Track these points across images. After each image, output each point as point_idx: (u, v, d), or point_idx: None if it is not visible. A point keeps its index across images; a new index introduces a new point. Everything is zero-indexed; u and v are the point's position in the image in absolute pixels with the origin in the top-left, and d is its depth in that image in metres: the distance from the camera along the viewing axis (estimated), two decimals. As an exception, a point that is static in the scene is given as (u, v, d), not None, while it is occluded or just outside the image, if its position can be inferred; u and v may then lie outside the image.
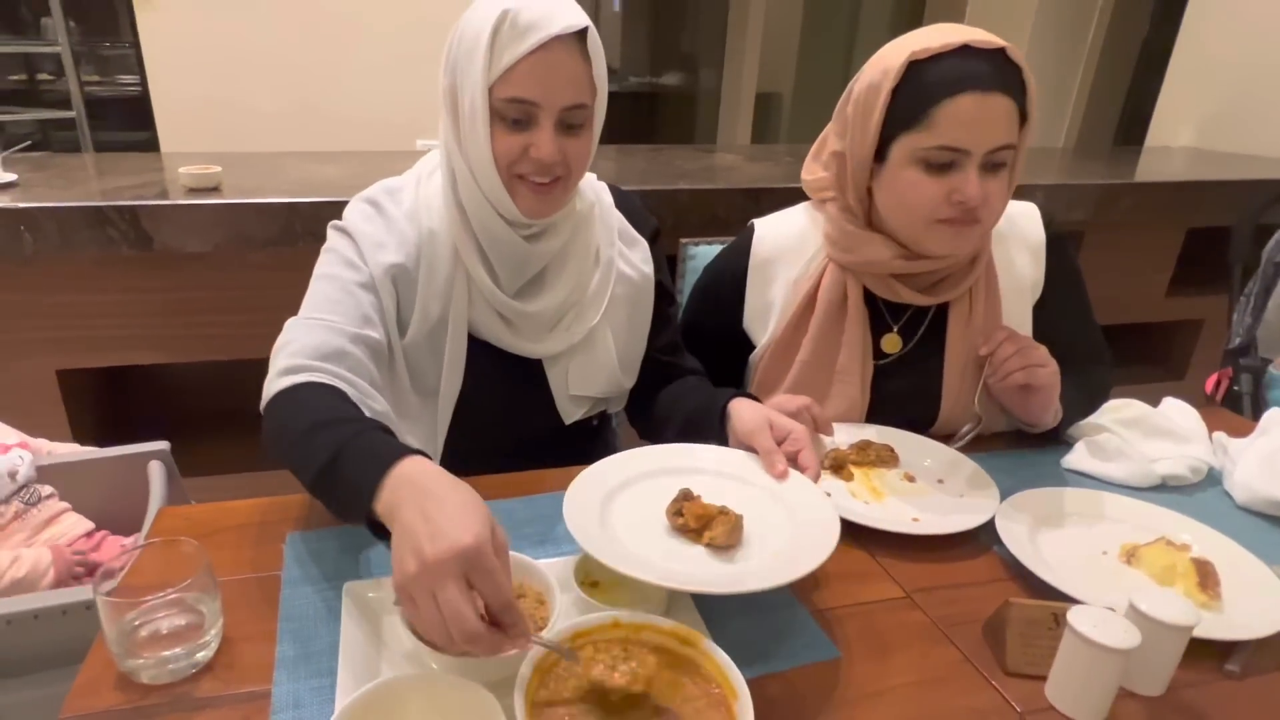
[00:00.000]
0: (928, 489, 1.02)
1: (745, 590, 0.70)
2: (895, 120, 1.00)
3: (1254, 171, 2.63)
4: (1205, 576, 0.85)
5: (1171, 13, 3.38)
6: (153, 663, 0.67)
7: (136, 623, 0.69)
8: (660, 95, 6.23)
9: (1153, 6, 3.91)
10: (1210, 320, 2.76)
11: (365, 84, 2.88)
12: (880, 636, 0.78)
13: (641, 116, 5.96)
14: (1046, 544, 0.91)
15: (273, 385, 0.86)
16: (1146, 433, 1.13)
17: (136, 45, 2.82)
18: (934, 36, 0.98)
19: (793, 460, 0.89)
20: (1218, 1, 3.09)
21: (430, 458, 0.73)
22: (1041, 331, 1.15)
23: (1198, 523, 0.94)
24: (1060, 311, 1.18)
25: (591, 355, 1.09)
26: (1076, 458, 1.10)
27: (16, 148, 1.78)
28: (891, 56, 1.00)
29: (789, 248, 1.18)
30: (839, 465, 1.04)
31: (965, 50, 0.97)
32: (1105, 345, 1.24)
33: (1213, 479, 1.10)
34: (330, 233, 1.01)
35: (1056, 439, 1.14)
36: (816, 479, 0.87)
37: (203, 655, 0.70)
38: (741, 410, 0.96)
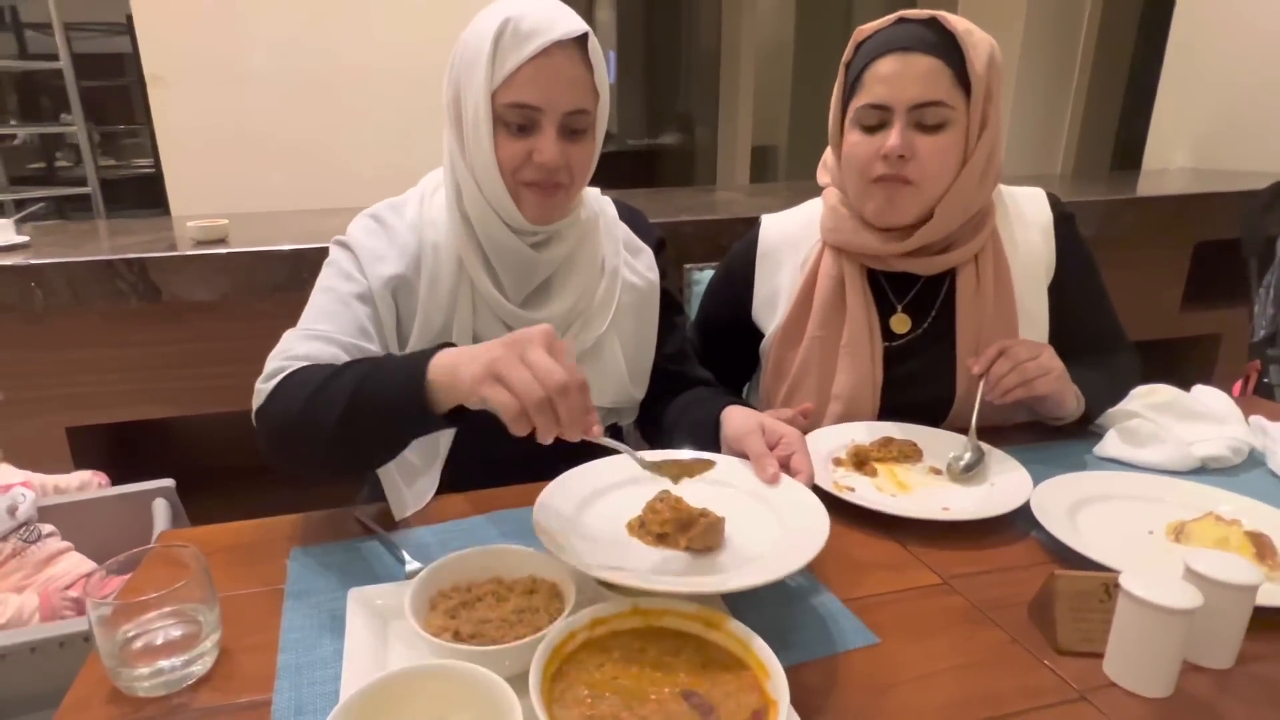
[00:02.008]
0: (956, 480, 0.98)
1: (723, 590, 0.65)
2: (846, 92, 1.09)
3: (1254, 184, 2.63)
4: (1262, 547, 0.80)
5: (1155, 39, 3.45)
6: (147, 673, 0.63)
7: (131, 634, 0.65)
8: (658, 153, 6.39)
9: (1135, 35, 4.00)
10: (1229, 334, 2.71)
11: (371, 151, 2.95)
12: (919, 622, 0.73)
13: (641, 173, 6.09)
14: (1088, 526, 0.87)
15: (263, 387, 0.86)
16: (1180, 416, 1.08)
17: (150, 126, 2.92)
18: (886, 18, 1.06)
19: (785, 464, 0.85)
20: (1199, 24, 3.15)
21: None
22: (1058, 314, 1.14)
23: (1245, 498, 0.90)
24: (1075, 292, 1.15)
25: (600, 365, 1.07)
26: (1108, 446, 1.05)
27: (30, 209, 1.82)
28: (854, 37, 1.09)
29: (795, 236, 1.21)
30: (862, 461, 1.00)
31: (900, 21, 1.04)
32: (1124, 330, 1.21)
33: (1254, 460, 1.05)
34: (332, 247, 1.02)
35: (1085, 427, 1.10)
36: (809, 483, 0.82)
37: (199, 666, 0.66)
38: (733, 416, 0.93)
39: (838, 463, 1.02)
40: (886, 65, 1.02)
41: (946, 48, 1.01)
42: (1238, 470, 1.03)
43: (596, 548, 0.72)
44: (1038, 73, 3.80)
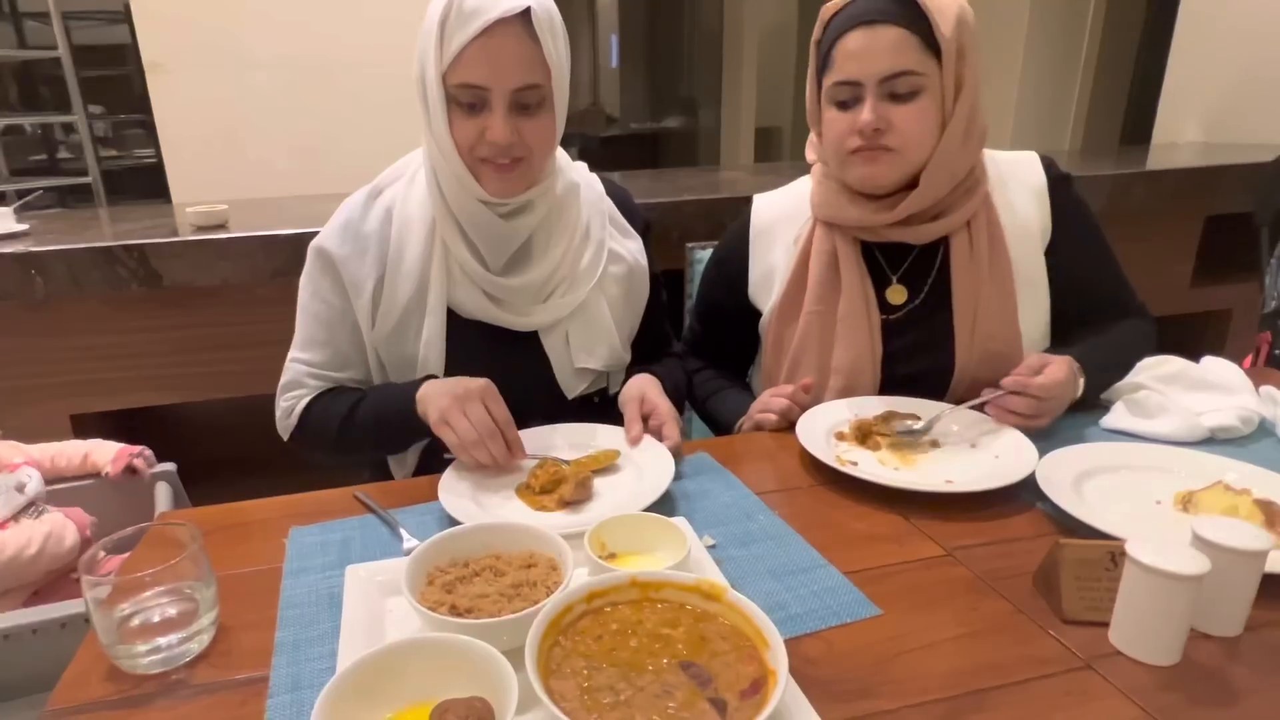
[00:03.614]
0: (959, 453, 0.97)
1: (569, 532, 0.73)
2: (819, 70, 1.09)
3: (1265, 157, 2.58)
4: (1272, 516, 0.79)
5: (1165, 10, 3.39)
6: (145, 650, 0.63)
7: (128, 612, 0.65)
8: (661, 136, 6.35)
9: (1145, 6, 3.93)
10: (1239, 309, 2.68)
11: (370, 135, 2.93)
12: (922, 593, 0.72)
13: (644, 156, 6.06)
14: (1094, 496, 0.85)
15: (285, 424, 1.07)
16: (1188, 387, 1.06)
17: (150, 115, 2.91)
18: None
19: (658, 432, 0.98)
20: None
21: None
22: (1059, 279, 1.12)
23: (1255, 467, 0.88)
24: (1075, 255, 1.13)
25: (589, 326, 1.09)
26: (1116, 418, 1.04)
27: (30, 196, 1.81)
28: (821, 15, 1.08)
29: (787, 213, 1.20)
30: (864, 435, 0.99)
31: None
32: (1134, 293, 1.18)
33: (1264, 430, 1.03)
34: (310, 256, 1.05)
35: (1088, 403, 1.08)
36: (674, 448, 0.95)
37: (196, 644, 0.66)
38: (628, 385, 1.06)
39: (840, 437, 1.01)
40: (853, 40, 1.02)
41: (912, 15, 1.00)
42: (1247, 440, 1.01)
43: (483, 510, 0.86)
44: (1046, 46, 3.75)
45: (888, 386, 1.12)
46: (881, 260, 1.14)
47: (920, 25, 0.99)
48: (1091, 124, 3.94)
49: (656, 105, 6.53)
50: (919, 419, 1.02)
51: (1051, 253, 1.12)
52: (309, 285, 1.07)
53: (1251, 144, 2.93)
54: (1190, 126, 3.21)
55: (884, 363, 1.12)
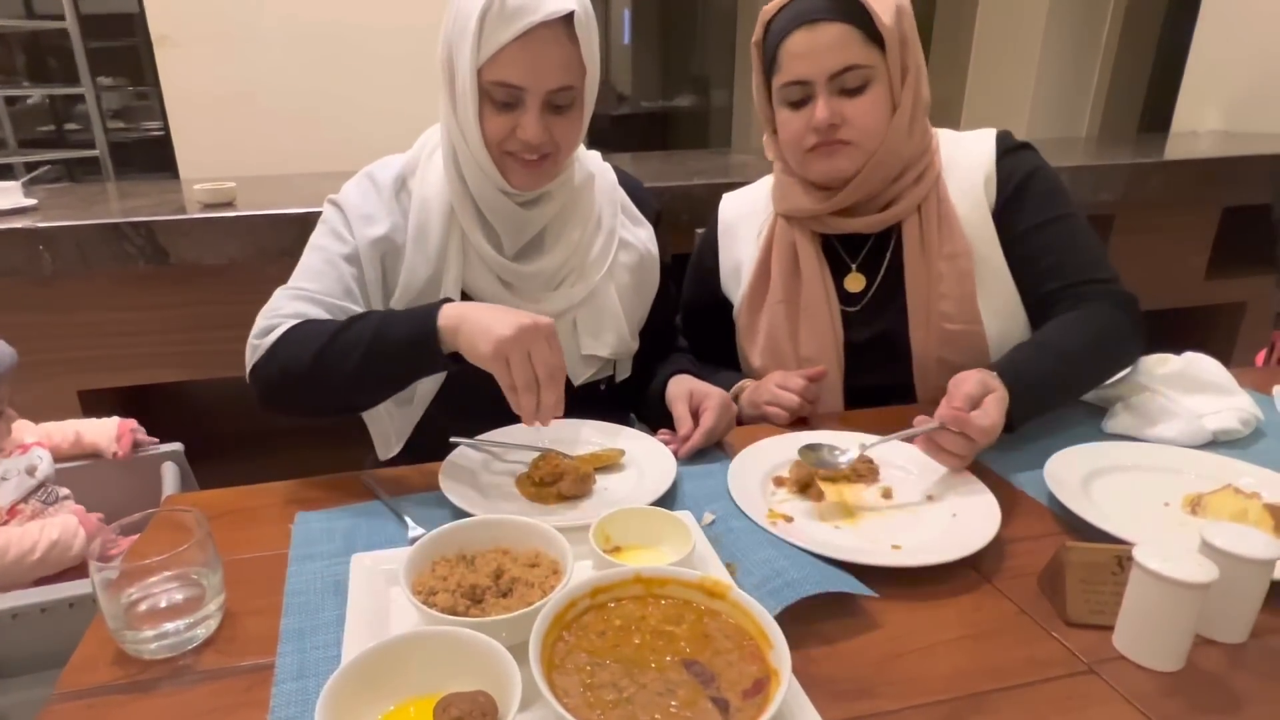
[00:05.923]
0: (914, 507, 0.85)
1: (563, 525, 0.72)
2: (766, 71, 1.10)
3: (1288, 146, 2.54)
4: (1281, 521, 0.78)
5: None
6: (151, 636, 0.64)
7: (135, 597, 0.65)
8: (673, 115, 6.29)
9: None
10: (1254, 302, 2.65)
11: (380, 112, 2.91)
12: (926, 592, 0.72)
13: (654, 135, 6.00)
14: (1102, 497, 0.85)
15: (259, 343, 0.93)
16: (1188, 388, 1.04)
17: (158, 87, 2.90)
18: None
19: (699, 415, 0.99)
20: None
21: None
22: (1012, 249, 1.07)
23: (1265, 470, 0.87)
24: (1025, 223, 1.07)
25: (598, 313, 1.09)
26: (1118, 422, 1.02)
27: (37, 172, 1.81)
28: (761, 17, 1.08)
29: (750, 209, 1.23)
30: (806, 484, 0.88)
31: None
32: (1104, 267, 1.07)
33: (1260, 431, 1.02)
34: (325, 205, 1.05)
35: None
36: (700, 438, 0.96)
37: (203, 630, 0.66)
38: (671, 384, 1.06)
39: (779, 483, 0.90)
40: (797, 41, 1.02)
41: (851, 9, 1.00)
42: (1247, 442, 1.00)
43: (484, 498, 0.86)
44: (1065, 29, 3.67)
45: (854, 373, 1.14)
46: (840, 250, 1.16)
47: (861, 18, 1.00)
48: (1110, 110, 3.87)
49: (668, 84, 6.45)
50: (843, 451, 0.89)
51: (1002, 217, 1.08)
52: (320, 226, 1.04)
53: (1274, 134, 2.88)
54: (1211, 114, 3.15)
55: (848, 350, 1.14)
